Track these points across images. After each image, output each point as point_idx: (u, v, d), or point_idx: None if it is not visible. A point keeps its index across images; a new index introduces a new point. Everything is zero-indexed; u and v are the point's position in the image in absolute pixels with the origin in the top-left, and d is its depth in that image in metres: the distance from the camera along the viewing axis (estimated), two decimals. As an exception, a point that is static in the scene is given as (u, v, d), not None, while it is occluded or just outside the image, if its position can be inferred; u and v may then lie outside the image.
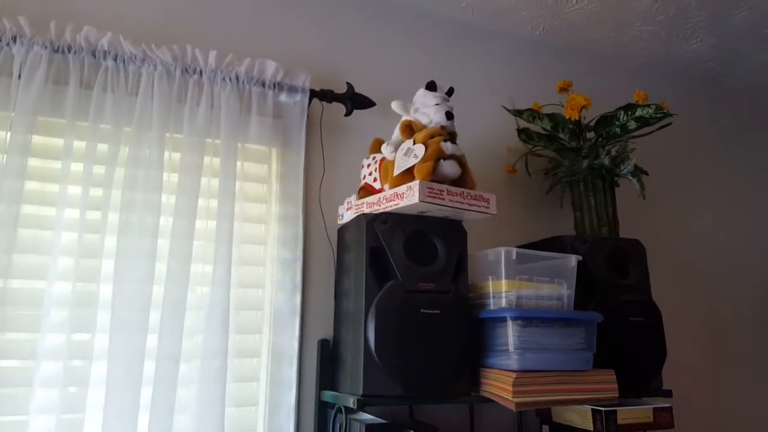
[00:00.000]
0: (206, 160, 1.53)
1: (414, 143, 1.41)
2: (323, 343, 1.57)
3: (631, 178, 1.75)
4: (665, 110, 1.72)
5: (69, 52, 1.44)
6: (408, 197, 1.36)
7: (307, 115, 1.67)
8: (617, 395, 1.44)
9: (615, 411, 1.52)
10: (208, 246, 1.50)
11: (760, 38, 2.17)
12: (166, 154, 1.49)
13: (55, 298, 1.35)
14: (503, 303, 1.42)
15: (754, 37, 2.16)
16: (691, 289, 2.25)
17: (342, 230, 1.59)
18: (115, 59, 1.48)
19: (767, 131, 2.65)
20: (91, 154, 1.42)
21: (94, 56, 1.46)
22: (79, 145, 1.44)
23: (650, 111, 1.74)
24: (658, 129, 1.83)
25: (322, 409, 1.53)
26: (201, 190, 1.49)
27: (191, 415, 1.39)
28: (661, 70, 2.38)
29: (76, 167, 1.42)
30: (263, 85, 1.61)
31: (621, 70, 2.32)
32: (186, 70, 1.53)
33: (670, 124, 1.83)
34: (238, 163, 1.55)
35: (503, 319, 1.38)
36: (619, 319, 1.58)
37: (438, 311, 1.35)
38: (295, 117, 1.66)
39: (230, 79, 1.57)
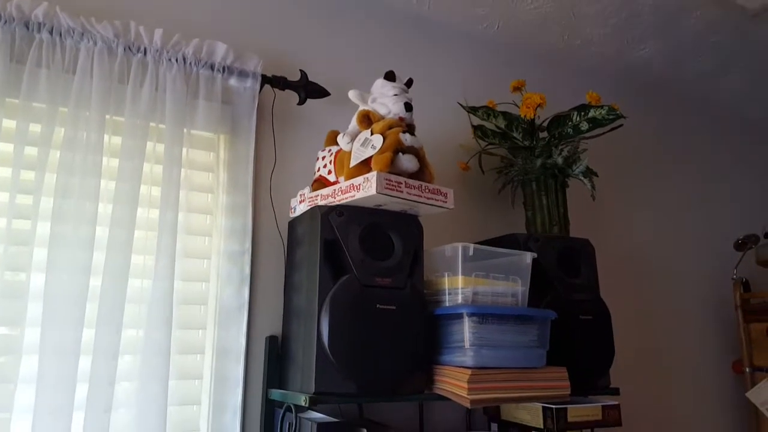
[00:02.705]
0: (149, 145, 1.44)
1: (372, 134, 1.37)
2: (271, 340, 1.51)
3: (582, 178, 1.77)
4: (617, 112, 1.74)
5: (-2, 22, 1.32)
6: (365, 189, 1.32)
7: (258, 102, 1.60)
8: (569, 393, 1.45)
9: (566, 409, 1.53)
10: (150, 236, 1.42)
11: (703, 47, 2.24)
12: (106, 137, 1.40)
13: (-21, 289, 1.24)
14: (459, 299, 1.40)
15: (697, 46, 2.23)
16: (637, 289, 2.32)
17: (294, 223, 1.53)
18: (51, 32, 1.37)
19: (707, 136, 2.76)
20: (23, 134, 1.31)
21: (27, 28, 1.34)
22: (9, 124, 1.33)
23: (603, 112, 1.76)
24: (609, 130, 1.85)
25: (269, 407, 1.47)
26: (143, 177, 1.40)
27: (130, 414, 1.31)
28: (610, 73, 2.43)
29: (6, 147, 1.32)
30: (212, 68, 1.53)
31: (572, 72, 2.35)
32: (129, 47, 1.44)
33: (621, 125, 1.85)
34: (184, 150, 1.47)
35: (459, 316, 1.36)
36: (570, 318, 1.59)
37: (394, 307, 1.32)
38: (245, 103, 1.59)
39: (177, 60, 1.48)
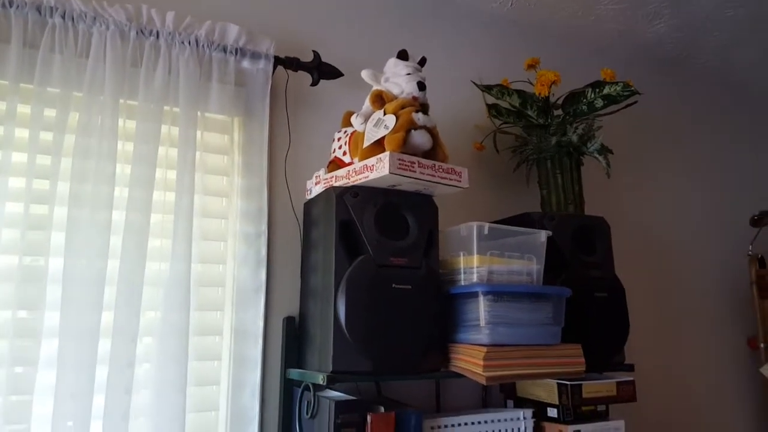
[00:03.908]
0: (164, 128, 1.44)
1: (384, 114, 1.36)
2: (288, 321, 1.52)
3: (597, 156, 1.76)
4: (632, 88, 1.72)
5: (10, 6, 1.32)
6: (378, 169, 1.32)
7: (271, 84, 1.59)
8: (584, 369, 1.45)
9: (580, 385, 1.54)
10: (166, 219, 1.42)
11: (720, 21, 2.20)
12: (120, 121, 1.40)
13: (-1, 273, 1.26)
14: (475, 278, 1.40)
15: (715, 20, 2.19)
16: (651, 265, 2.31)
17: (309, 204, 1.53)
18: (63, 17, 1.36)
19: (725, 112, 2.73)
20: (38, 119, 1.32)
21: (40, 12, 1.34)
22: (24, 109, 1.33)
23: (618, 89, 1.74)
24: (624, 107, 1.83)
25: (288, 387, 1.49)
26: (158, 160, 1.41)
27: (150, 395, 1.32)
28: (626, 50, 2.40)
29: (21, 133, 1.32)
30: (224, 50, 1.52)
31: (586, 49, 2.32)
32: (141, 31, 1.43)
33: (636, 102, 1.83)
34: (198, 133, 1.47)
35: (475, 294, 1.37)
36: (584, 295, 1.59)
37: (410, 286, 1.32)
38: (258, 85, 1.58)
39: (189, 43, 1.47)
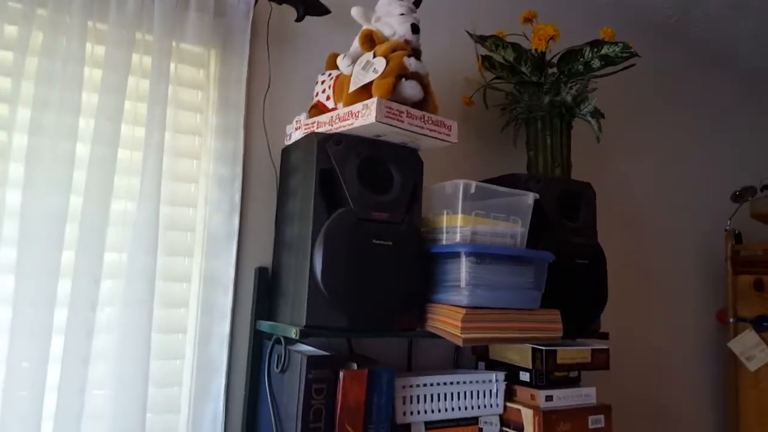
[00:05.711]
0: (135, 57, 1.34)
1: (374, 56, 1.27)
2: (261, 271, 1.46)
3: (590, 119, 1.70)
4: (632, 50, 1.66)
5: None
6: (364, 116, 1.24)
7: (253, 17, 1.48)
8: (561, 335, 1.43)
9: (555, 351, 1.52)
10: (134, 156, 1.33)
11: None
12: (88, 46, 1.29)
13: (-50, 205, 1.17)
14: (458, 238, 1.35)
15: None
16: (630, 234, 2.30)
17: (287, 150, 1.45)
18: None
19: (718, 81, 2.69)
20: (-4, 36, 1.21)
21: None
22: (-19, 24, 1.22)
23: (617, 49, 1.67)
24: (621, 69, 1.76)
25: (257, 339, 1.43)
26: (128, 91, 1.31)
27: (112, 338, 1.26)
28: (622, 13, 2.32)
29: (-23, 51, 1.21)
30: (204, -25, 1.41)
31: (580, 11, 2.24)
32: (113, -54, 1.31)
33: (634, 65, 1.77)
34: (172, 65, 1.37)
35: (457, 255, 1.32)
36: (566, 261, 1.55)
37: (390, 243, 1.27)
38: (238, 16, 1.47)
39: (166, -35, 1.36)
